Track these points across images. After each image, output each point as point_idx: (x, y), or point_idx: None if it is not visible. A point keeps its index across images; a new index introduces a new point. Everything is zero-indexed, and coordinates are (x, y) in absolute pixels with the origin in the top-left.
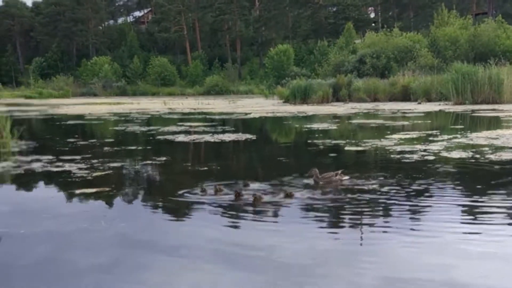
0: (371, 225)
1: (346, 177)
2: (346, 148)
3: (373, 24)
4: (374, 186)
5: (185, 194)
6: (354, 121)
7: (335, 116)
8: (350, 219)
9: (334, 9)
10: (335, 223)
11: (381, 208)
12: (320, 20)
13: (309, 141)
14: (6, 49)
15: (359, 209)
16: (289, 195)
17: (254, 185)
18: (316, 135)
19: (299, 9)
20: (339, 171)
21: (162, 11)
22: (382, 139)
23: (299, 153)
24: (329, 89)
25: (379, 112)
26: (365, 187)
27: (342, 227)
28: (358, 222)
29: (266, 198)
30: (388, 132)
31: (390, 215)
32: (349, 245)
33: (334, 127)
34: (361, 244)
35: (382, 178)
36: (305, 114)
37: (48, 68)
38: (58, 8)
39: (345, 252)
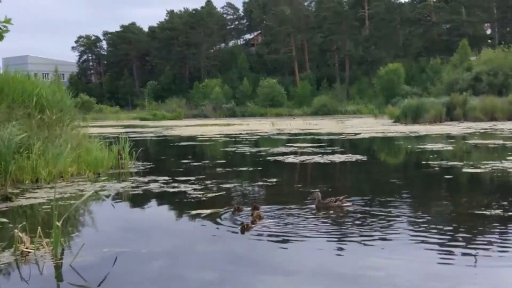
0: (487, 249)
1: (348, 204)
2: (464, 170)
3: (489, 41)
4: (497, 211)
5: (293, 215)
6: (470, 142)
7: (449, 136)
8: (465, 242)
9: (448, 26)
10: (448, 246)
11: (501, 234)
12: (432, 38)
13: (422, 162)
14: (123, 73)
15: (476, 234)
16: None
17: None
18: (430, 156)
19: (410, 27)
20: (341, 197)
21: (272, 33)
22: (502, 161)
23: (412, 175)
24: (443, 108)
25: (498, 132)
26: (487, 212)
27: (456, 250)
28: (474, 246)
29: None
30: (509, 153)
31: (509, 241)
32: (462, 269)
33: (449, 147)
34: (475, 266)
35: (505, 202)
36: (417, 134)
37: (161, 91)
38: (172, 32)
39: (458, 275)
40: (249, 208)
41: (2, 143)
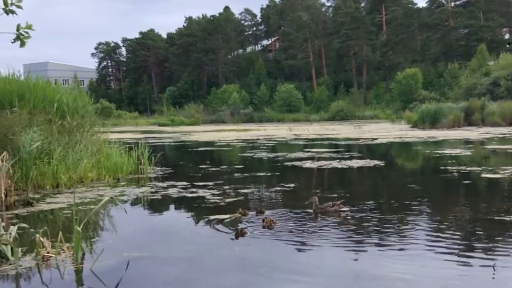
0: (506, 256)
1: (345, 208)
2: (482, 175)
3: (507, 45)
4: None
5: (310, 220)
6: (488, 147)
7: (467, 141)
8: (484, 249)
9: (466, 31)
10: (466, 253)
11: None
12: (450, 43)
13: (441, 167)
14: (142, 79)
15: (495, 240)
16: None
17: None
18: (448, 161)
19: (428, 32)
20: (338, 202)
21: (289, 38)
22: None
23: (430, 180)
24: (461, 113)
25: None
26: (507, 218)
27: (475, 257)
28: (493, 253)
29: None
30: None
31: None
32: (481, 276)
33: (467, 152)
34: (494, 274)
35: None
36: (435, 139)
37: (180, 97)
38: (190, 39)
39: (476, 283)
40: (254, 213)
41: (23, 148)
